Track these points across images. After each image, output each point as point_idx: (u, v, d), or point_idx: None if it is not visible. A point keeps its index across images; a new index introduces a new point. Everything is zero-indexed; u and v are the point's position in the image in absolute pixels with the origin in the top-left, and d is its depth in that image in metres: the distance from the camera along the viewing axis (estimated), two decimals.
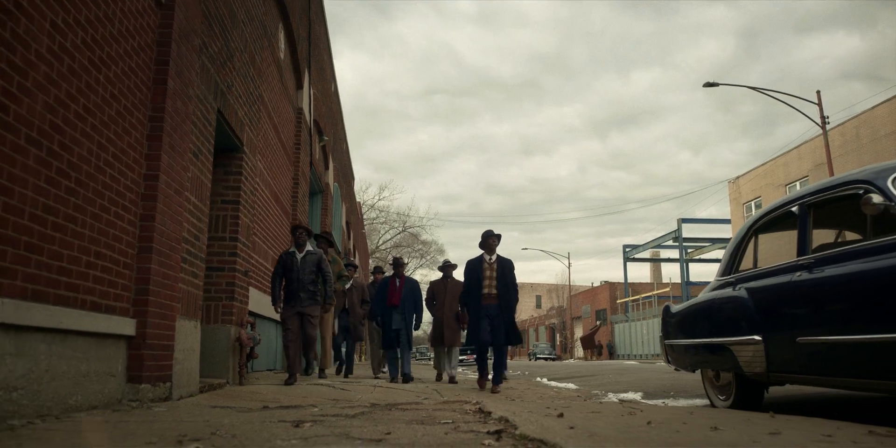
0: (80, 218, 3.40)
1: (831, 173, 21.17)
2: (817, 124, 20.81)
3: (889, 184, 3.70)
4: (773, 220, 4.83)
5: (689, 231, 41.43)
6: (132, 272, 4.07)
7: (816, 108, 21.05)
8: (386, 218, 48.76)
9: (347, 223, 22.81)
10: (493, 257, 7.28)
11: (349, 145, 23.50)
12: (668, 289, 43.21)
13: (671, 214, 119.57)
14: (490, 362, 7.56)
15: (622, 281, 50.74)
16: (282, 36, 9.56)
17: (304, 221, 10.92)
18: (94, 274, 3.57)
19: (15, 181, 2.84)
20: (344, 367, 10.16)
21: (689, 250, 41.66)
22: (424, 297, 9.16)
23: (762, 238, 4.96)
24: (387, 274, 10.38)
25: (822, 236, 4.52)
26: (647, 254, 50.94)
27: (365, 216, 41.75)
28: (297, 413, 3.80)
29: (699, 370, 5.50)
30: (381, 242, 49.43)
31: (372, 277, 11.32)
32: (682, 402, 6.22)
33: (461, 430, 2.91)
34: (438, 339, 8.88)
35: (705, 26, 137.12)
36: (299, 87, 11.26)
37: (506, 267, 7.25)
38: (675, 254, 45.11)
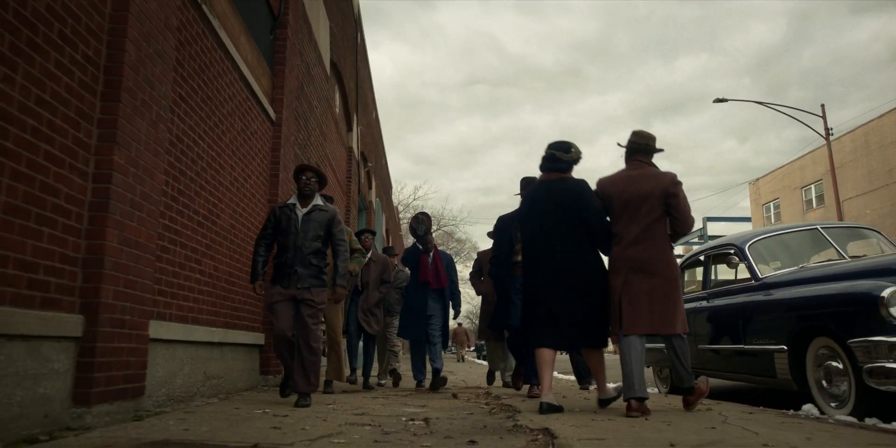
0: (241, 274, 5.66)
1: (834, 182, 22.78)
2: (821, 136, 22.37)
3: (746, 248, 5.76)
4: (693, 263, 6.90)
5: (715, 229, 42.96)
6: (261, 303, 6.34)
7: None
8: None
9: (387, 230, 25.16)
10: None
11: (387, 138, 25.75)
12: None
13: (712, 205, 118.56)
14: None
15: None
16: (337, 96, 11.82)
17: None
18: (248, 308, 5.85)
19: (220, 262, 5.11)
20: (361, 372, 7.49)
21: None
22: (470, 270, 7.61)
23: (688, 273, 7.04)
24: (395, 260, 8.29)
25: (722, 275, 6.58)
26: (679, 250, 52.42)
27: (401, 215, 44.03)
28: (369, 393, 6.02)
29: (650, 366, 7.60)
30: None
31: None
32: (648, 391, 8.30)
33: (471, 402, 5.08)
34: (494, 325, 6.03)
35: (755, 9, 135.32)
36: (349, 129, 13.52)
37: None
38: None
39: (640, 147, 4.31)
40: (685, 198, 4.13)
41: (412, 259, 7.02)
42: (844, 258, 5.35)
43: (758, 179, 35.37)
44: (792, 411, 4.28)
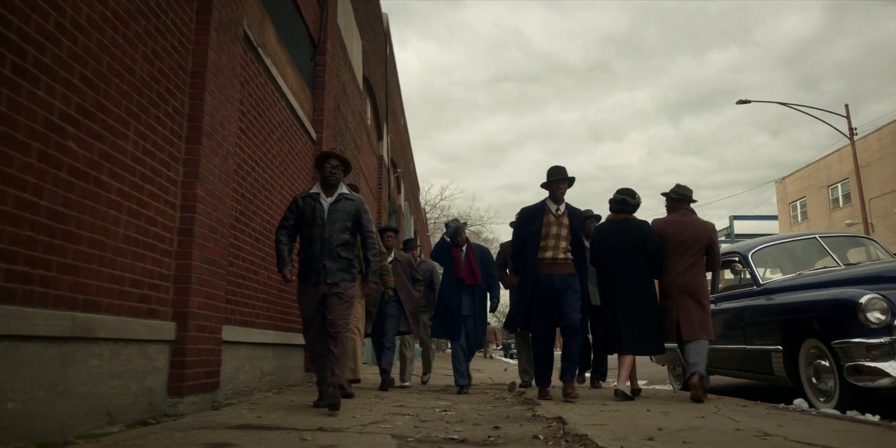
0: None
1: (858, 181, 22.90)
2: (845, 136, 22.50)
3: (750, 256, 6.25)
4: None
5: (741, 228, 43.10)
6: None
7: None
8: (447, 218, 51.56)
9: (415, 232, 25.83)
10: (562, 207, 5.30)
11: (415, 137, 26.37)
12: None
13: (743, 201, 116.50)
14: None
15: None
16: (368, 108, 12.46)
17: None
18: (294, 312, 6.50)
19: (272, 271, 5.76)
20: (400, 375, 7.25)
21: None
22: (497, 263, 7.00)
23: None
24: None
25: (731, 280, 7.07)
26: None
27: (428, 215, 44.53)
28: (408, 391, 6.64)
29: (665, 365, 8.10)
30: None
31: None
32: (662, 387, 8.79)
33: (496, 397, 5.67)
34: (523, 321, 5.48)
35: (788, 0, 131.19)
36: (379, 138, 14.16)
37: (581, 222, 5.44)
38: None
39: (685, 198, 5.56)
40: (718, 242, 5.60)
41: (443, 254, 6.52)
42: (840, 266, 5.82)
43: (784, 178, 35.32)
44: (783, 405, 4.79)
